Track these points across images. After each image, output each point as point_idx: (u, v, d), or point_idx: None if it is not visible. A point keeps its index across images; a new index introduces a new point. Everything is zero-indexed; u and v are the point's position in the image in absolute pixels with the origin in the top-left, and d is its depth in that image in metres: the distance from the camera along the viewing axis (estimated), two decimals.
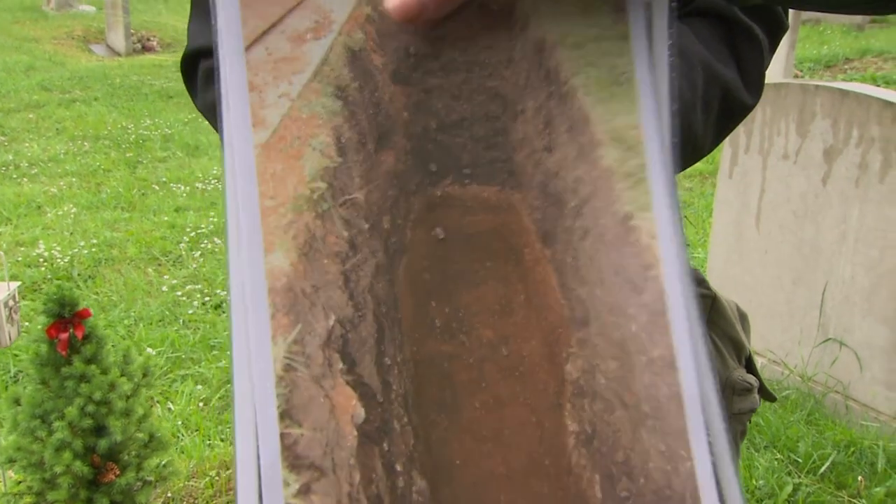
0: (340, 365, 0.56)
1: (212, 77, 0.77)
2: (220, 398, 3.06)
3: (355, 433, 0.56)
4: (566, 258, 0.62)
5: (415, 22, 0.59)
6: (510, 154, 0.63)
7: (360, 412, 0.56)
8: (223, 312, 3.53)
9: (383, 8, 0.61)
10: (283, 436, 0.54)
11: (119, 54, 14.00)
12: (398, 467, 0.57)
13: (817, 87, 2.73)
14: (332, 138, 0.58)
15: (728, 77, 0.92)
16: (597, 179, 0.63)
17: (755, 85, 0.95)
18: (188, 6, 0.85)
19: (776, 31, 0.99)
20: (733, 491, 0.61)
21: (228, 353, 2.90)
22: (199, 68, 0.96)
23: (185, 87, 1.00)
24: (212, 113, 0.88)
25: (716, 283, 3.29)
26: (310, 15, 0.60)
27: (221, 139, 0.58)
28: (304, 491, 0.54)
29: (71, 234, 5.65)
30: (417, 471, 0.58)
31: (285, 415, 0.54)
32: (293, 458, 0.54)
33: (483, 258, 0.61)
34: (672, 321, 0.62)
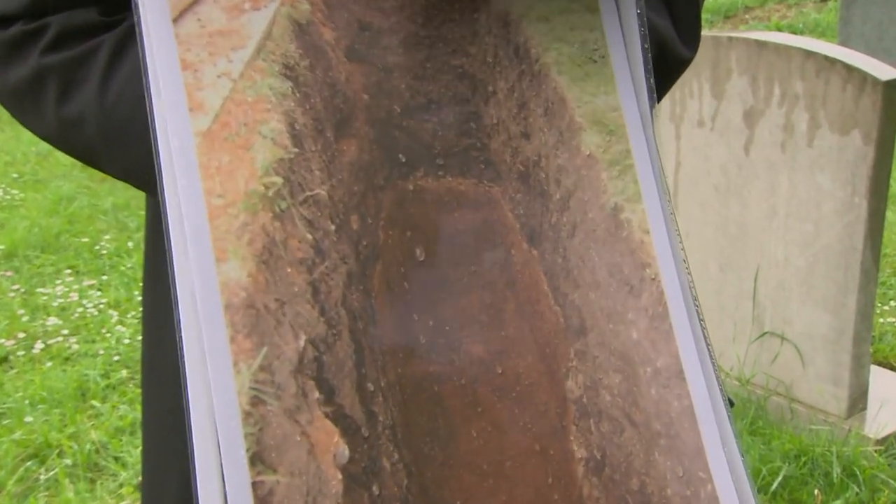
0: (317, 394, 0.55)
1: (19, 48, 0.71)
2: (18, 480, 2.82)
3: (340, 476, 0.54)
4: (556, 258, 0.63)
5: None
6: (485, 141, 0.64)
7: (344, 450, 0.55)
8: (13, 368, 3.29)
9: None
10: (255, 485, 0.52)
11: None
12: None
13: (731, 39, 2.71)
14: (284, 125, 0.58)
15: (661, 27, 0.92)
16: (580, 168, 0.65)
17: (691, 33, 0.96)
18: None
19: None
20: None
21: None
22: None
23: None
24: (16, 98, 0.77)
25: None
26: None
27: (152, 128, 0.55)
28: None
29: None
30: None
31: (257, 458, 0.52)
32: None
33: (467, 262, 0.62)
34: (675, 326, 0.64)
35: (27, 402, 3.03)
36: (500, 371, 0.61)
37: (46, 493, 2.65)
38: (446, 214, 0.62)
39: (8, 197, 5.03)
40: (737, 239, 2.87)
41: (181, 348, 0.53)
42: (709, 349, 0.66)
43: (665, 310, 0.65)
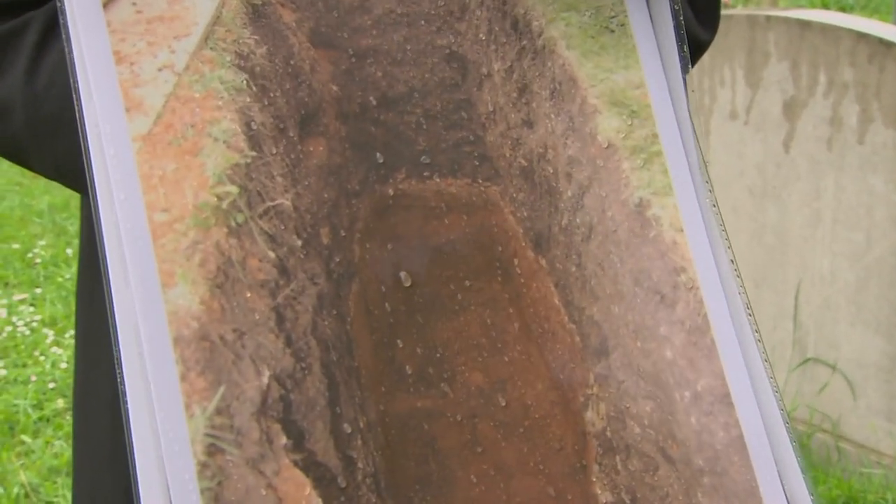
0: (284, 440, 0.53)
1: None
2: None
3: None
4: (569, 267, 0.61)
5: None
6: (479, 133, 0.62)
7: None
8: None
9: None
10: None
11: None
12: None
13: (769, 18, 2.62)
14: (238, 124, 0.56)
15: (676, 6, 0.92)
16: (595, 159, 0.63)
17: (710, 14, 0.95)
18: None
19: None
20: None
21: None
22: None
23: None
24: None
25: None
26: None
27: (82, 133, 0.54)
28: None
29: None
30: None
31: None
32: None
33: (461, 276, 0.60)
34: (718, 340, 0.62)
35: None
36: (503, 403, 0.59)
37: None
38: (434, 222, 0.60)
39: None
40: (775, 249, 2.78)
41: (123, 391, 0.52)
42: (766, 366, 0.63)
43: (706, 321, 0.62)
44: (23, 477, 2.69)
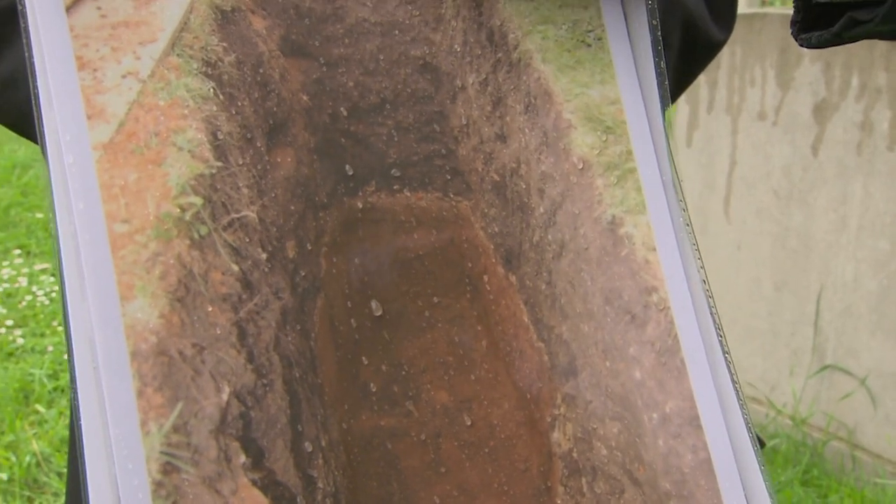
0: (243, 458, 0.52)
1: None
2: None
3: None
4: (539, 284, 0.60)
5: None
6: (451, 147, 0.61)
7: None
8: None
9: None
10: None
11: None
12: None
13: None
14: (204, 133, 0.55)
15: (690, 3, 0.92)
16: (569, 175, 0.61)
17: (725, 13, 0.95)
18: None
19: None
20: None
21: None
22: None
23: None
24: None
25: None
26: None
27: (41, 140, 0.52)
28: None
29: None
30: None
31: None
32: None
33: (429, 292, 0.58)
34: (688, 361, 0.60)
35: None
36: (469, 423, 0.58)
37: None
38: (403, 236, 0.59)
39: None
40: (798, 254, 2.75)
41: (76, 406, 0.50)
42: (736, 389, 0.62)
43: (676, 342, 0.61)
44: (35, 446, 2.68)
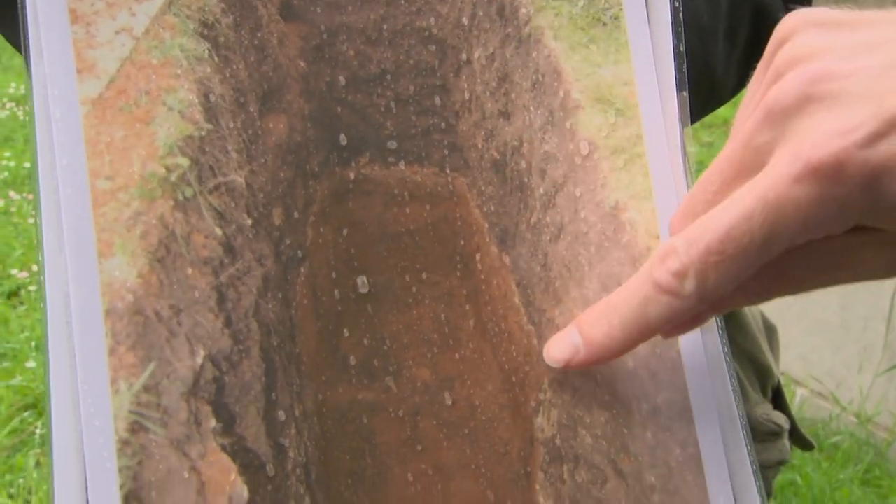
0: (213, 422, 0.51)
1: None
2: (11, 432, 2.83)
3: None
4: (533, 266, 0.59)
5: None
6: (452, 121, 0.59)
7: (242, 491, 0.51)
8: (22, 304, 3.22)
9: None
10: None
11: None
12: None
13: None
14: (196, 95, 0.54)
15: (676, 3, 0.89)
16: (573, 156, 0.60)
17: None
18: None
19: None
20: None
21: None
22: None
23: None
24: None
25: None
26: None
27: (29, 93, 0.52)
28: None
29: None
30: None
31: (132, 497, 0.49)
32: None
33: (417, 268, 0.57)
34: (684, 352, 0.59)
35: (33, 343, 2.93)
36: (449, 402, 0.56)
37: (39, 451, 2.60)
38: (395, 209, 0.58)
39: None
40: None
41: (47, 360, 0.50)
42: (732, 381, 0.60)
43: None
44: None
